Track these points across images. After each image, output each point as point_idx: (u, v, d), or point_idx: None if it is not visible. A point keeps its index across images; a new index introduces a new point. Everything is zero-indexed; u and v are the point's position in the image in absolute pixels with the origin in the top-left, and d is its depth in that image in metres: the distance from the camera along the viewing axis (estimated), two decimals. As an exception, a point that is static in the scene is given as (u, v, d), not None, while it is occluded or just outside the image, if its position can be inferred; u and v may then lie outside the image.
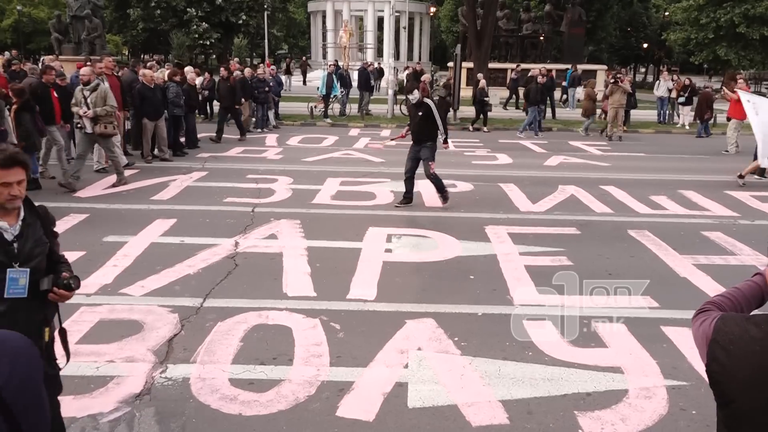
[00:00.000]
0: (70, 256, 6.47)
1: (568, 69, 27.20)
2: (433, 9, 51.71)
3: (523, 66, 25.86)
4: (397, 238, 7.52)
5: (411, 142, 9.36)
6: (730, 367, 1.48)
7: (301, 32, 69.08)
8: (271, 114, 18.16)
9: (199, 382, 4.17)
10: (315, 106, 20.29)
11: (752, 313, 1.54)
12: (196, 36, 38.21)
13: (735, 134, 14.85)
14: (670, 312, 5.42)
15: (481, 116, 18.85)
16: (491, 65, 25.44)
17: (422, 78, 20.57)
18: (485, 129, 18.73)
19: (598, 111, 19.03)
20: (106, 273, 6.10)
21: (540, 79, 18.61)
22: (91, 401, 3.91)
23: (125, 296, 5.58)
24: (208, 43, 38.70)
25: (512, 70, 22.97)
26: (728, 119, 15.40)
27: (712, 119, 18.93)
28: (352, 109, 21.48)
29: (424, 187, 10.26)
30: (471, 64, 25.56)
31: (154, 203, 9.00)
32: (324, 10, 45.12)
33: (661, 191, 10.30)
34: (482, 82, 19.19)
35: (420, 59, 44.83)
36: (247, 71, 17.10)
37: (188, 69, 15.37)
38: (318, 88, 20.54)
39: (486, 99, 18.76)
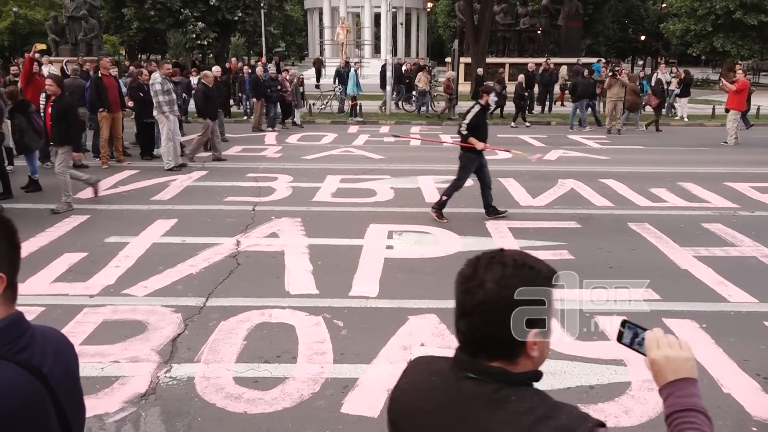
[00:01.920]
0: (73, 257, 6.54)
1: (593, 63, 26.45)
2: (429, 4, 51.64)
3: (533, 60, 25.37)
4: (398, 234, 7.54)
5: (472, 152, 8.20)
6: None
7: (298, 30, 69.02)
8: (297, 113, 18.28)
9: (203, 381, 4.19)
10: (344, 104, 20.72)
11: None
12: (194, 36, 38.14)
13: (734, 125, 14.88)
14: (672, 304, 5.44)
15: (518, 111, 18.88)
16: (489, 60, 25.39)
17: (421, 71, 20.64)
18: (527, 124, 18.65)
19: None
20: (108, 274, 6.11)
21: (586, 73, 18.74)
22: (96, 402, 3.92)
23: (128, 297, 5.59)
24: (205, 43, 38.63)
25: (540, 65, 22.02)
26: (726, 110, 15.48)
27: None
28: (349, 105, 21.45)
29: (424, 184, 10.28)
30: (469, 60, 25.52)
31: (154, 203, 9.01)
32: (321, 7, 45.09)
33: (660, 184, 10.31)
34: (521, 77, 19.19)
35: (417, 55, 44.78)
36: (259, 70, 17.14)
37: (216, 69, 14.58)
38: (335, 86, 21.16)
39: (517, 94, 18.70)
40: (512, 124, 18.73)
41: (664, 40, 51.43)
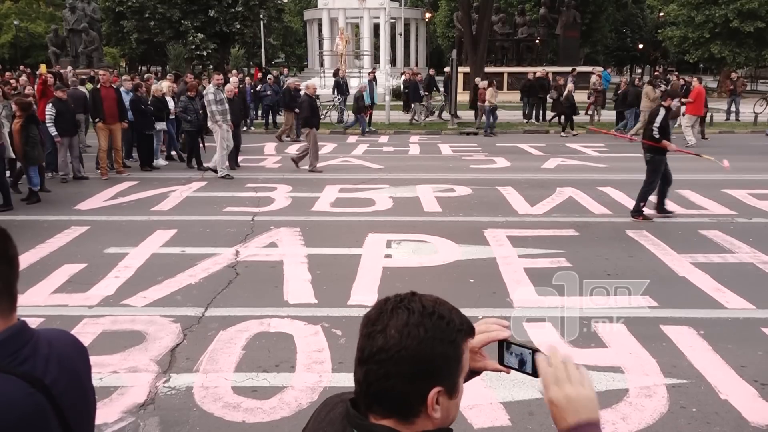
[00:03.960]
0: (72, 268, 6.56)
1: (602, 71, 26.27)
2: (428, 15, 51.93)
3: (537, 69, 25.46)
4: (397, 243, 7.56)
5: (660, 153, 8.64)
6: None
7: (297, 41, 69.28)
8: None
9: (202, 390, 4.20)
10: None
11: None
12: (193, 47, 38.35)
13: (689, 129, 16.21)
14: (670, 311, 5.46)
15: (562, 119, 18.86)
16: (487, 69, 25.51)
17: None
18: (573, 133, 18.55)
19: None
20: (108, 284, 6.14)
21: (637, 82, 18.92)
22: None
23: (127, 307, 5.61)
24: (204, 53, 38.83)
25: (569, 74, 21.75)
26: (683, 115, 16.58)
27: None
28: (350, 115, 21.55)
29: (422, 193, 10.32)
30: (467, 69, 25.66)
31: (154, 214, 9.04)
32: (320, 18, 45.36)
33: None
34: (570, 86, 19.03)
35: (417, 64, 44.97)
36: (291, 81, 17.47)
37: (233, 81, 14.36)
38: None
39: (567, 102, 18.56)
40: (562, 133, 18.67)
41: (662, 49, 51.68)
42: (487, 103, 18.62)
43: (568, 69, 27.12)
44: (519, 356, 1.24)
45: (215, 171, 11.90)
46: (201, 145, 13.55)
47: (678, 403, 4.02)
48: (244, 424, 3.84)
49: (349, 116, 21.31)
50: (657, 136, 8.44)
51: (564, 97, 18.91)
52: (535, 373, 1.22)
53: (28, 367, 1.30)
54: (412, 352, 1.06)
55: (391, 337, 1.07)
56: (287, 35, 66.90)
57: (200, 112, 12.85)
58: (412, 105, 21.63)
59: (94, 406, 1.54)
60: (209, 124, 12.04)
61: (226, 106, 11.98)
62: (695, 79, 17.95)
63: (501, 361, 1.27)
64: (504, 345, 1.26)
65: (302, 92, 14.09)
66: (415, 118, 21.28)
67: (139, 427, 3.80)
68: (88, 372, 1.51)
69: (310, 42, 49.87)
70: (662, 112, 8.63)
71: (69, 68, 23.54)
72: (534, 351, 1.22)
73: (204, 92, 12.26)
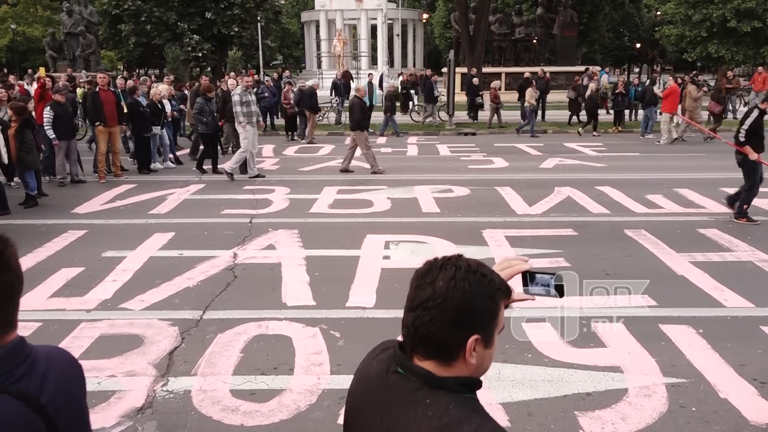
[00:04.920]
0: (70, 272, 6.55)
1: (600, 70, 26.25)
2: (425, 15, 51.95)
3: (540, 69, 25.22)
4: (395, 244, 7.55)
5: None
6: None
7: (295, 42, 69.34)
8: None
9: (200, 394, 4.19)
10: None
11: None
12: (190, 49, 38.34)
13: (667, 127, 16.56)
14: (668, 310, 5.45)
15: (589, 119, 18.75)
16: (485, 69, 25.55)
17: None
18: (595, 133, 18.41)
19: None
20: (105, 288, 6.12)
21: (634, 81, 19.35)
22: (93, 417, 3.88)
23: (125, 311, 5.59)
24: (200, 55, 38.81)
25: (583, 73, 21.40)
26: (660, 114, 17.00)
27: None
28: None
29: (420, 194, 10.31)
30: (465, 69, 25.68)
31: (152, 217, 9.02)
32: (317, 19, 45.33)
33: (656, 190, 10.34)
34: (592, 86, 18.80)
35: (414, 65, 44.99)
36: (313, 82, 17.83)
37: (247, 80, 13.91)
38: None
39: (593, 102, 18.34)
40: (580, 130, 18.59)
41: (659, 48, 51.74)
42: (527, 104, 18.41)
43: (566, 69, 27.30)
44: (542, 283, 1.40)
45: (231, 174, 11.82)
46: (219, 147, 13.47)
47: (677, 403, 4.01)
48: (242, 427, 3.83)
49: (345, 118, 21.29)
50: (742, 140, 8.12)
51: (588, 96, 18.66)
52: (560, 294, 1.40)
53: (23, 386, 1.29)
54: (456, 302, 1.22)
55: (439, 288, 1.23)
56: (285, 37, 66.97)
57: (215, 114, 12.75)
58: (424, 105, 21.43)
59: (89, 426, 1.54)
60: (236, 125, 12.07)
61: (252, 108, 12.00)
62: (670, 78, 18.26)
63: (526, 291, 1.44)
64: (527, 276, 1.42)
65: (352, 94, 14.08)
66: (431, 117, 21.05)
67: (137, 431, 3.79)
68: (83, 391, 1.51)
69: (308, 44, 49.86)
70: (755, 114, 8.18)
71: (83, 71, 23.51)
72: (554, 275, 1.39)
73: (232, 93, 12.33)
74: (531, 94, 18.36)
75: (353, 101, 13.10)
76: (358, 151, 12.63)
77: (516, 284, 1.40)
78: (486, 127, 20.13)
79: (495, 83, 20.64)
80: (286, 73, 24.93)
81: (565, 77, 30.29)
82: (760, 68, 23.31)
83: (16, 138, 9.51)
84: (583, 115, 19.54)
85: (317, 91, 18.21)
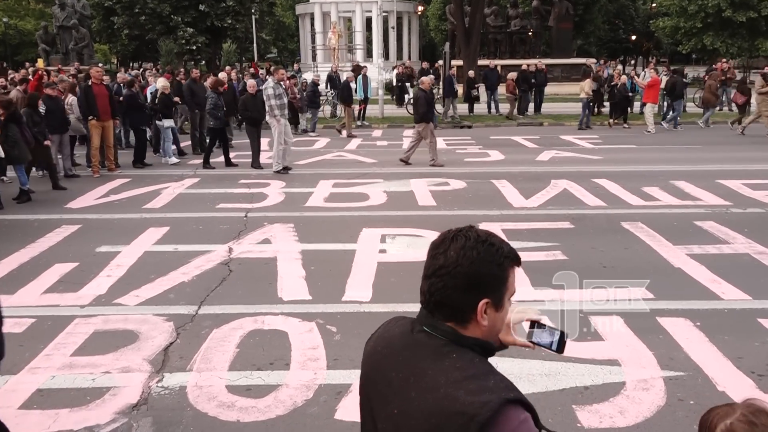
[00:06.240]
0: (63, 267, 6.49)
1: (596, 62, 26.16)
2: (420, 8, 51.72)
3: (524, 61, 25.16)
4: (391, 238, 7.51)
5: None
6: None
7: (290, 35, 68.96)
8: (302, 118, 18.32)
9: (196, 390, 4.15)
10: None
11: None
12: (183, 42, 38.08)
13: (651, 117, 16.96)
14: (666, 303, 5.44)
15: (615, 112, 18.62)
16: (480, 62, 25.44)
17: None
18: (625, 125, 18.23)
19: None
20: (99, 283, 6.07)
21: (644, 73, 19.06)
22: (87, 413, 3.88)
23: (120, 306, 5.55)
24: (194, 48, 38.55)
25: (596, 65, 20.94)
26: (643, 104, 17.46)
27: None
28: (344, 109, 21.43)
29: (416, 187, 10.27)
30: (460, 62, 25.58)
31: (146, 212, 8.96)
32: (312, 12, 45.06)
33: (653, 182, 10.32)
34: (624, 78, 18.52)
35: (410, 58, 44.81)
36: (349, 75, 18.21)
37: (251, 82, 13.35)
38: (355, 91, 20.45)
39: (621, 94, 18.06)
40: (610, 121, 18.53)
41: (654, 40, 51.69)
42: (584, 94, 18.05)
43: (561, 61, 27.23)
44: (547, 334, 1.49)
45: (285, 168, 11.77)
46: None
47: (675, 396, 4.00)
48: (238, 423, 3.80)
49: (341, 110, 21.16)
50: None
51: (616, 88, 18.27)
52: (560, 350, 1.49)
53: None
54: (465, 270, 1.35)
55: (450, 257, 1.36)
56: (279, 30, 66.60)
57: (224, 108, 12.64)
58: (445, 99, 20.18)
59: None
60: (267, 117, 11.92)
61: (285, 100, 11.97)
62: (652, 68, 18.67)
63: (529, 338, 1.53)
64: (535, 325, 1.52)
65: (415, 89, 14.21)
66: (451, 114, 20.12)
67: (132, 428, 3.75)
68: None
69: (303, 36, 49.56)
70: None
71: (101, 64, 23.27)
72: (563, 332, 1.48)
73: (263, 87, 12.21)
74: (589, 84, 18.12)
75: (418, 93, 13.00)
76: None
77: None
78: (505, 118, 20.22)
79: (512, 75, 20.49)
80: (295, 66, 24.84)
81: (561, 69, 30.25)
82: None
83: (1, 132, 9.42)
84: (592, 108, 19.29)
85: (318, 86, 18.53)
